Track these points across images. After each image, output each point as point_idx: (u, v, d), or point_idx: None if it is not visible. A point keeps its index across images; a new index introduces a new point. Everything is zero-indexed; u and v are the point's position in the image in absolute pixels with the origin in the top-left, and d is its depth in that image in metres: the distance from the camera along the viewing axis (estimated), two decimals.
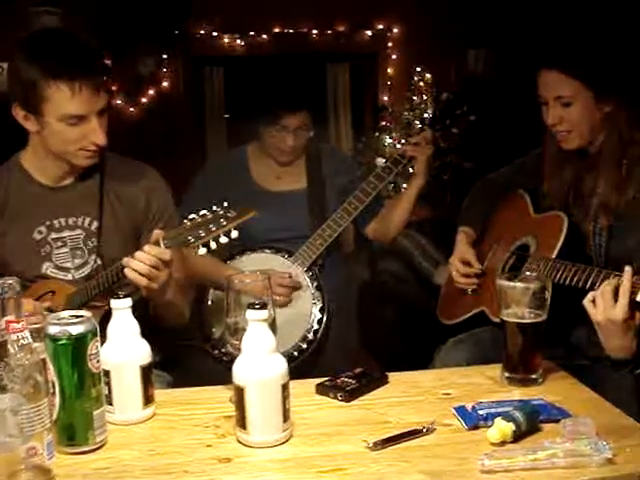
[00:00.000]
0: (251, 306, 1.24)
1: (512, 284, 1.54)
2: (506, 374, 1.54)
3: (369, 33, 6.05)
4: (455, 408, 1.37)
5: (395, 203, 2.56)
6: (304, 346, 2.34)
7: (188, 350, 2.38)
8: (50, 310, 1.75)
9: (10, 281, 1.13)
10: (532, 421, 1.28)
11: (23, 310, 1.16)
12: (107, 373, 1.32)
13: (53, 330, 1.22)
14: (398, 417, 1.37)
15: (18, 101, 1.80)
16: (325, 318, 2.38)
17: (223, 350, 2.33)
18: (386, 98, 6.03)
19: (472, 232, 2.24)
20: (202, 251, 1.60)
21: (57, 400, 1.23)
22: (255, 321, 1.23)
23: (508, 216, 2.24)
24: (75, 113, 1.77)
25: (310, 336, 2.35)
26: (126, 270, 1.67)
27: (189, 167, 3.49)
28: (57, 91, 1.74)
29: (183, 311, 1.98)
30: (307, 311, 2.36)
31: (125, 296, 1.35)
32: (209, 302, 2.44)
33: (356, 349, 2.71)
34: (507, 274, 1.85)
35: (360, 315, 2.75)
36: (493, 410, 1.33)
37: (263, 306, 1.24)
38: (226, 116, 6.26)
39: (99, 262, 1.91)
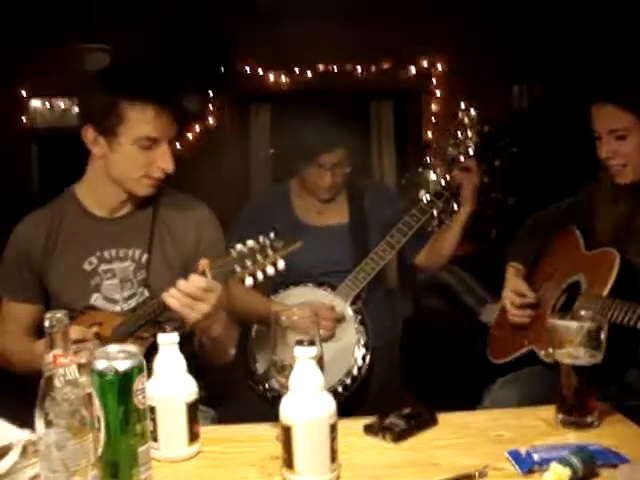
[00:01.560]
0: (299, 343, 1.21)
1: (566, 324, 1.49)
2: (560, 416, 1.49)
3: (413, 70, 6.06)
4: (509, 452, 1.32)
5: (444, 231, 2.55)
6: (348, 382, 2.31)
7: (231, 385, 2.36)
8: (98, 336, 1.76)
9: (58, 315, 1.12)
10: (589, 466, 1.22)
11: (70, 344, 1.15)
12: (152, 409, 1.30)
13: (100, 365, 1.21)
14: (449, 460, 1.33)
15: (91, 123, 1.83)
16: (369, 354, 2.35)
17: (267, 386, 2.32)
18: (430, 134, 6.02)
19: (522, 267, 2.21)
20: (249, 281, 1.59)
21: (102, 436, 1.21)
22: (303, 359, 1.21)
23: (559, 253, 2.20)
24: (152, 135, 1.80)
25: (354, 372, 2.32)
26: (168, 298, 1.67)
27: (234, 202, 3.51)
28: (140, 112, 1.78)
29: (228, 349, 1.97)
30: (351, 346, 2.34)
31: (172, 331, 1.33)
32: (252, 337, 2.41)
33: (400, 386, 2.67)
34: (559, 313, 1.81)
35: (403, 352, 2.71)
36: (548, 454, 1.28)
37: (311, 343, 1.21)
38: (271, 151, 6.31)
39: (147, 294, 1.91)
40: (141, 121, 1.79)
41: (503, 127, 2.73)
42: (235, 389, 2.41)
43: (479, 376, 2.94)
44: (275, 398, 2.26)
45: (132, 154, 1.82)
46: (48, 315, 1.12)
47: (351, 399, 2.27)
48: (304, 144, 2.42)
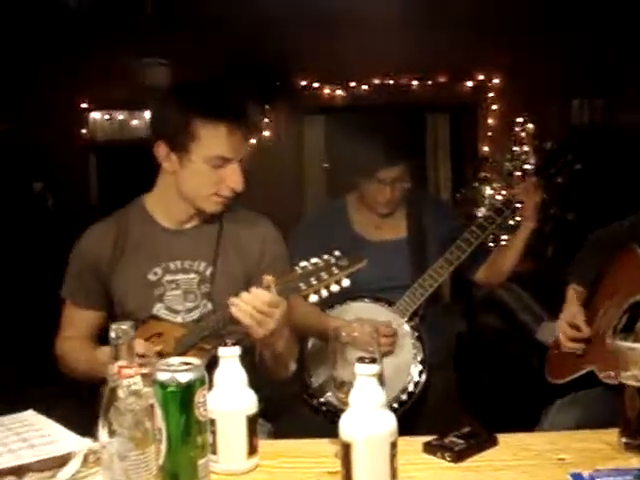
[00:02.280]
0: (361, 360, 1.21)
1: (631, 345, 1.46)
2: (624, 440, 1.45)
3: (470, 84, 6.03)
4: (572, 475, 1.30)
5: (505, 248, 2.53)
6: (404, 398, 2.29)
7: (286, 398, 2.36)
8: (161, 354, 1.78)
9: (124, 326, 1.13)
10: None
11: (135, 355, 1.16)
12: (212, 422, 1.31)
13: (162, 377, 1.22)
14: None
15: (164, 139, 1.85)
16: (426, 370, 2.33)
17: (322, 400, 2.31)
18: (486, 149, 5.98)
19: (582, 289, 2.17)
20: (313, 298, 1.60)
21: (163, 447, 1.22)
22: (365, 376, 1.20)
23: (621, 272, 2.15)
24: (224, 155, 1.82)
25: (410, 388, 2.30)
26: (233, 309, 1.68)
27: (288, 215, 3.53)
28: (214, 131, 1.80)
29: (289, 364, 1.96)
30: (408, 362, 2.32)
31: (233, 344, 1.34)
32: (308, 351, 2.41)
33: (455, 404, 2.63)
34: (621, 334, 1.77)
35: (459, 369, 2.68)
36: (612, 478, 1.25)
37: (373, 361, 1.20)
38: (325, 165, 6.32)
39: (209, 306, 1.93)
40: (214, 140, 1.81)
41: (566, 144, 2.69)
42: (290, 403, 2.41)
43: (535, 395, 2.89)
44: (329, 412, 2.28)
45: (203, 172, 1.84)
46: (114, 326, 1.13)
47: (406, 415, 2.25)
48: (363, 159, 2.41)
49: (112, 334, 1.13)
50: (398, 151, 2.41)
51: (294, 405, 2.42)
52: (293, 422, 2.26)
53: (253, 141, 5.81)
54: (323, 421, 2.31)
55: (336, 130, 5.95)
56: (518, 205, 2.46)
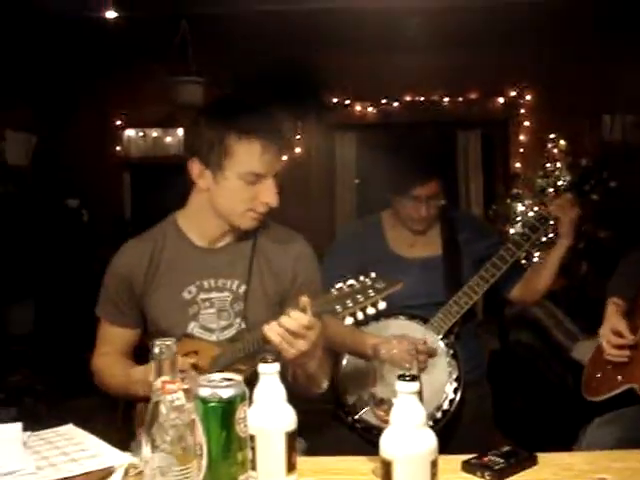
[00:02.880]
0: (402, 378, 1.21)
1: None
2: None
3: (501, 100, 6.02)
4: None
5: (540, 267, 2.51)
6: (439, 416, 2.28)
7: (319, 415, 2.36)
8: (195, 367, 1.79)
9: (168, 342, 1.15)
10: None
11: (177, 370, 1.17)
12: (252, 438, 1.31)
13: (204, 392, 1.23)
14: None
15: (198, 156, 1.87)
16: (461, 388, 2.32)
17: (356, 417, 2.31)
18: (518, 165, 5.96)
19: (623, 303, 2.15)
20: (349, 321, 1.60)
21: (204, 462, 1.23)
22: (406, 393, 1.20)
23: None
24: (258, 171, 1.82)
25: (445, 405, 2.29)
26: (269, 333, 1.68)
27: (320, 231, 3.54)
28: (248, 147, 1.81)
29: (322, 382, 1.95)
30: (443, 380, 2.31)
31: (273, 361, 1.35)
32: (343, 367, 2.41)
33: (489, 423, 2.61)
34: None
35: (492, 387, 2.66)
36: None
37: (414, 378, 1.20)
38: (356, 182, 6.35)
39: (243, 325, 1.93)
40: (248, 156, 1.81)
41: (600, 160, 2.67)
42: (323, 419, 2.41)
43: (570, 414, 2.86)
44: (365, 430, 2.28)
45: (237, 188, 1.84)
46: (158, 342, 1.15)
47: (441, 433, 2.23)
48: (398, 176, 2.41)
49: (156, 350, 1.15)
50: (433, 168, 2.41)
51: (328, 422, 2.41)
52: (327, 439, 2.26)
53: (285, 157, 5.85)
54: (357, 438, 2.30)
55: (369, 147, 5.98)
56: (552, 222, 2.44)
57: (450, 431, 2.27)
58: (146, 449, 1.14)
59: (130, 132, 6.43)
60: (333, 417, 2.40)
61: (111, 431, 1.67)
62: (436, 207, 2.42)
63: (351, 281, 1.61)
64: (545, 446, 1.56)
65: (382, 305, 1.59)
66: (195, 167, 1.88)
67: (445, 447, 1.46)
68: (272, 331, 1.68)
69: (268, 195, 1.85)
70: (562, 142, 5.69)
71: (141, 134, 6.40)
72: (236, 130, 1.81)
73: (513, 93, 6.00)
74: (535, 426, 3.57)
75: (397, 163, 2.46)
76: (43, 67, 5.72)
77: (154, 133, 6.35)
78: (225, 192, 1.87)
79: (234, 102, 1.93)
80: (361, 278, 1.62)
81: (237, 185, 1.84)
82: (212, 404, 1.22)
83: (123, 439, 1.59)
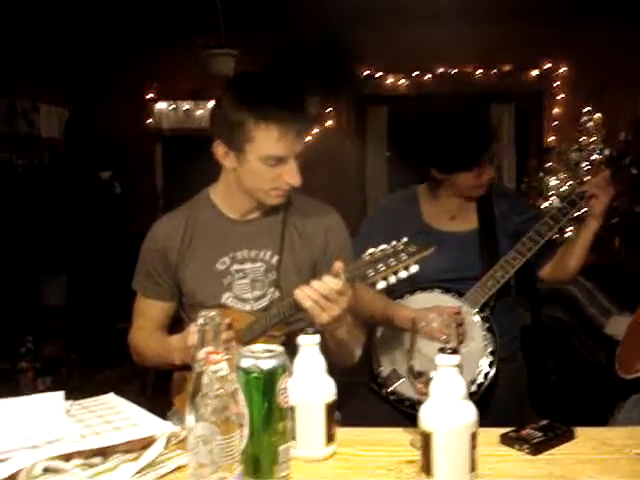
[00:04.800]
0: (442, 351, 1.21)
1: None
2: None
3: (535, 72, 5.94)
4: None
5: (571, 246, 2.46)
6: (473, 389, 2.27)
7: (352, 387, 2.37)
8: (230, 327, 1.81)
9: (212, 313, 1.16)
10: None
11: (221, 341, 1.18)
12: (292, 408, 1.33)
13: (246, 363, 1.24)
14: (589, 476, 1.29)
15: (221, 139, 1.87)
16: (496, 362, 2.31)
17: (390, 389, 2.32)
18: (552, 138, 5.89)
19: None
20: (382, 285, 1.61)
21: (246, 432, 1.24)
22: (446, 366, 1.20)
23: None
24: (278, 155, 1.82)
25: (480, 379, 2.29)
26: (302, 297, 1.70)
27: (350, 204, 3.54)
28: (266, 132, 1.80)
29: (354, 351, 1.97)
30: (479, 353, 2.30)
31: (314, 333, 1.35)
32: (377, 339, 2.42)
33: (524, 398, 2.61)
34: None
35: (526, 363, 2.65)
36: None
37: (454, 351, 1.21)
38: (387, 154, 6.32)
39: (277, 294, 1.95)
40: (266, 141, 1.81)
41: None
42: (356, 391, 2.42)
43: (603, 390, 2.84)
44: (398, 402, 2.29)
45: (260, 170, 1.85)
46: (202, 313, 1.16)
47: (476, 406, 2.24)
48: (461, 151, 2.36)
49: (200, 320, 1.16)
50: (489, 135, 2.39)
51: (362, 394, 2.43)
52: (360, 411, 2.28)
53: (316, 130, 5.84)
54: (390, 410, 2.31)
55: (402, 119, 5.93)
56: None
57: (484, 405, 2.27)
58: (190, 418, 1.16)
59: (161, 104, 6.45)
60: (367, 389, 2.41)
61: (142, 400, 1.69)
62: (492, 173, 2.41)
63: (383, 246, 1.62)
64: (579, 423, 1.56)
65: (414, 269, 1.59)
66: (220, 149, 1.89)
67: (479, 420, 1.46)
68: (303, 295, 1.70)
69: (290, 176, 1.86)
70: (597, 115, 5.61)
71: (172, 106, 6.42)
72: (254, 115, 1.80)
73: (547, 65, 5.92)
74: (569, 403, 3.55)
75: (460, 139, 2.41)
76: (75, 40, 5.75)
77: (185, 106, 6.37)
78: (249, 173, 1.88)
79: (253, 84, 1.90)
80: (393, 242, 1.63)
81: (259, 167, 1.85)
82: (254, 375, 1.24)
83: (154, 408, 1.61)
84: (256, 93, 1.85)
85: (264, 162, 1.83)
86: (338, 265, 1.70)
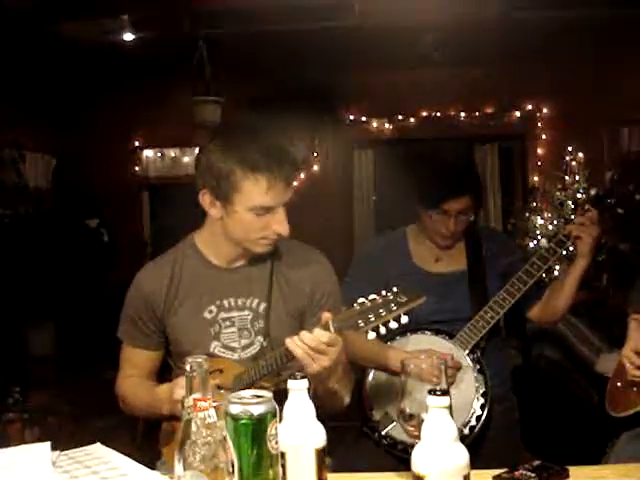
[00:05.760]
0: (432, 392, 1.20)
1: None
2: None
3: (518, 114, 6.02)
4: None
5: (559, 285, 2.47)
6: (466, 432, 2.25)
7: (344, 431, 2.34)
8: (219, 388, 1.79)
9: (199, 359, 1.15)
10: None
11: (209, 388, 1.17)
12: (282, 455, 1.31)
13: (235, 409, 1.23)
14: None
15: (207, 188, 1.86)
16: (488, 403, 2.30)
17: (383, 433, 2.29)
18: (536, 178, 5.94)
19: None
20: (371, 335, 1.60)
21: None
22: (437, 408, 1.20)
23: None
24: (267, 205, 1.81)
25: (472, 421, 2.27)
26: (292, 346, 1.68)
27: (337, 247, 3.54)
28: (254, 183, 1.79)
29: (343, 398, 1.95)
30: (470, 395, 2.29)
31: (302, 377, 1.34)
32: (368, 382, 2.40)
33: (517, 438, 2.59)
34: None
35: (518, 403, 2.63)
36: None
37: (444, 393, 1.20)
38: (374, 198, 6.36)
39: (265, 343, 1.92)
40: (255, 192, 1.79)
41: (626, 174, 2.65)
42: (347, 435, 2.39)
43: (595, 428, 2.82)
44: (391, 445, 2.26)
45: (248, 220, 1.83)
46: (189, 360, 1.15)
47: (468, 449, 2.22)
48: (429, 189, 2.39)
49: (187, 367, 1.15)
50: (466, 183, 2.40)
51: (354, 439, 2.40)
52: (353, 455, 2.25)
53: (302, 175, 5.87)
54: (383, 454, 2.29)
55: (388, 162, 5.98)
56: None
57: (477, 446, 2.25)
58: (178, 467, 1.14)
59: (148, 152, 6.48)
60: (359, 433, 2.39)
61: (131, 450, 1.67)
62: (465, 222, 2.41)
63: (373, 295, 1.62)
64: (571, 461, 1.55)
65: (404, 319, 1.59)
66: (206, 198, 1.88)
67: (473, 463, 1.45)
68: (295, 345, 1.68)
69: (279, 225, 1.84)
70: (580, 154, 5.68)
71: (159, 154, 6.45)
72: (241, 166, 1.79)
73: (529, 106, 6.00)
74: (561, 441, 3.52)
75: (427, 177, 2.44)
76: (62, 90, 5.79)
77: (172, 153, 6.40)
78: (236, 223, 1.86)
79: (241, 137, 1.89)
80: (383, 292, 1.62)
81: (247, 217, 1.83)
82: (243, 421, 1.22)
83: (143, 457, 1.59)
84: (243, 143, 1.84)
85: (252, 212, 1.82)
86: (326, 316, 1.68)
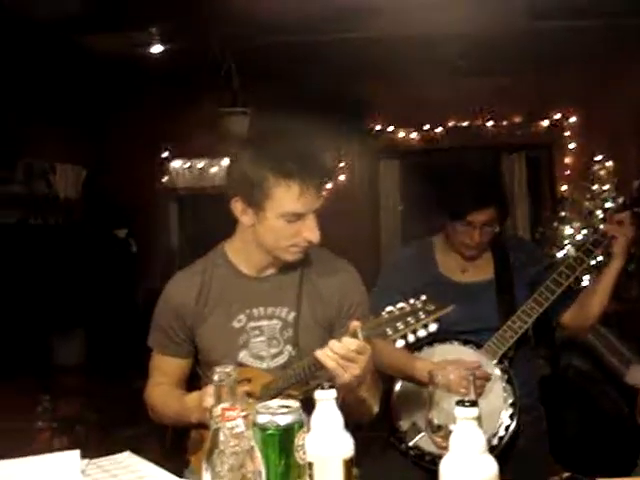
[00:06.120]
0: (461, 404, 1.19)
1: None
2: None
3: (545, 123, 5.99)
4: None
5: (593, 289, 2.45)
6: (495, 442, 2.24)
7: (371, 442, 2.34)
8: (249, 395, 1.79)
9: (227, 369, 1.16)
10: None
11: (237, 398, 1.18)
12: (310, 465, 1.31)
13: (262, 419, 1.23)
14: None
15: (239, 195, 1.87)
16: (517, 414, 2.28)
17: (410, 443, 2.28)
18: (565, 188, 5.89)
19: None
20: (400, 343, 1.60)
21: None
22: (465, 419, 1.19)
23: None
24: (298, 211, 1.82)
25: (501, 432, 2.25)
26: (324, 358, 1.69)
27: (364, 257, 3.54)
28: (286, 189, 1.80)
29: (372, 407, 1.95)
30: (498, 406, 2.27)
31: (330, 387, 1.34)
32: (396, 393, 2.39)
33: (545, 448, 2.56)
34: None
35: (546, 413, 2.61)
36: None
37: (473, 404, 1.19)
38: (400, 208, 6.34)
39: (294, 352, 1.93)
40: (287, 198, 1.81)
41: None
42: (374, 446, 2.39)
43: (625, 440, 2.79)
44: (417, 457, 2.25)
45: (279, 227, 1.85)
46: (218, 369, 1.16)
47: (497, 460, 2.20)
48: (454, 200, 2.39)
49: (215, 377, 1.16)
50: (490, 194, 2.39)
51: (381, 449, 2.39)
52: (380, 466, 2.25)
53: (329, 186, 5.88)
54: (410, 465, 2.28)
55: (414, 172, 5.98)
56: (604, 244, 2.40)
57: (506, 457, 2.23)
58: (206, 476, 1.14)
59: (176, 163, 6.53)
60: (386, 444, 2.38)
61: (159, 458, 1.68)
62: (490, 234, 2.40)
63: (401, 304, 1.62)
64: (601, 474, 1.53)
65: (433, 327, 1.59)
66: (238, 206, 1.89)
67: (501, 474, 1.44)
68: (325, 356, 1.69)
69: (310, 232, 1.86)
70: (608, 163, 5.63)
71: (187, 165, 6.49)
72: (274, 173, 1.80)
73: (557, 116, 5.96)
74: (591, 454, 3.49)
75: (452, 188, 2.44)
76: (91, 101, 5.85)
77: (200, 164, 6.44)
78: (267, 230, 1.87)
79: (272, 142, 1.91)
80: (411, 301, 1.63)
81: (278, 224, 1.84)
82: (270, 431, 1.22)
83: (171, 466, 1.60)
84: (276, 150, 1.86)
85: (283, 218, 1.83)
86: (355, 324, 1.69)
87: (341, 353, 1.67)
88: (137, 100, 5.94)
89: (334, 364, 1.68)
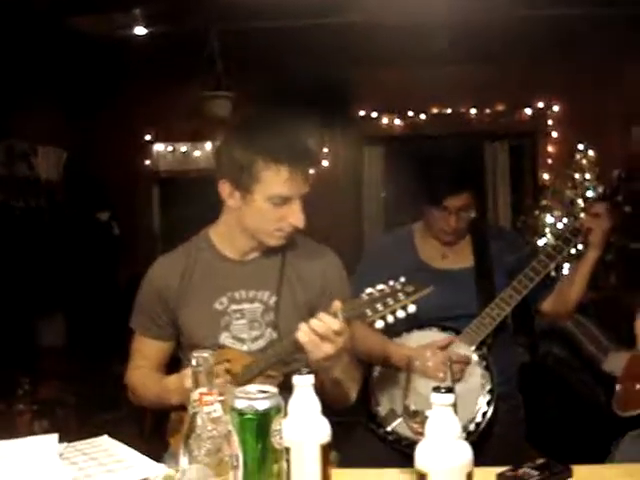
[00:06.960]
0: (437, 390, 1.21)
1: None
2: None
3: (529, 111, 6.01)
4: None
5: (571, 278, 2.47)
6: (471, 428, 2.26)
7: (349, 427, 2.35)
8: (228, 372, 1.81)
9: (205, 354, 1.16)
10: None
11: (214, 382, 1.18)
12: (287, 450, 1.32)
13: (240, 404, 1.24)
14: None
15: (227, 178, 1.90)
16: (494, 400, 2.30)
17: (388, 429, 2.30)
18: (547, 176, 5.92)
19: None
20: (380, 324, 1.63)
21: (240, 474, 1.23)
22: (441, 405, 1.20)
23: None
24: (285, 195, 1.85)
25: (478, 418, 2.28)
26: (299, 334, 1.71)
27: (346, 244, 3.55)
28: (275, 173, 1.83)
29: (349, 392, 1.97)
30: (476, 392, 2.29)
31: (308, 373, 1.35)
32: (374, 378, 2.41)
33: (522, 435, 2.59)
34: None
35: (524, 400, 2.63)
36: None
37: (449, 390, 1.21)
38: (383, 195, 6.36)
39: (274, 335, 1.95)
40: (275, 181, 1.83)
41: (634, 171, 2.65)
42: (352, 431, 2.40)
43: (601, 427, 2.82)
44: (396, 442, 2.27)
45: (265, 210, 1.87)
46: (195, 354, 1.16)
47: (473, 446, 2.22)
48: (430, 186, 2.41)
49: (193, 362, 1.16)
50: (465, 179, 2.40)
51: (359, 434, 2.41)
52: (358, 451, 2.26)
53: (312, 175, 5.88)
54: (389, 450, 2.30)
55: (397, 159, 5.98)
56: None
57: (482, 443, 2.26)
58: (183, 460, 1.15)
59: (159, 146, 6.50)
60: (365, 429, 2.40)
61: (139, 442, 1.68)
62: (466, 219, 2.41)
63: (381, 286, 1.65)
64: (576, 460, 1.55)
65: (412, 308, 1.62)
66: (225, 188, 1.91)
67: (477, 460, 1.45)
68: (303, 334, 1.71)
69: (295, 217, 1.88)
70: (590, 153, 5.66)
71: (170, 148, 6.47)
72: (263, 156, 1.83)
73: (540, 104, 5.98)
74: (566, 440, 3.53)
75: (429, 173, 2.46)
76: (74, 83, 5.81)
77: (183, 147, 6.41)
78: (253, 213, 1.89)
79: (263, 127, 1.93)
80: (391, 283, 1.67)
81: (265, 207, 1.87)
82: (248, 416, 1.23)
83: (151, 449, 1.61)
84: (265, 134, 1.88)
85: (270, 201, 1.85)
86: (336, 304, 1.71)
87: (320, 332, 1.69)
88: (120, 83, 5.90)
89: (309, 340, 1.70)
